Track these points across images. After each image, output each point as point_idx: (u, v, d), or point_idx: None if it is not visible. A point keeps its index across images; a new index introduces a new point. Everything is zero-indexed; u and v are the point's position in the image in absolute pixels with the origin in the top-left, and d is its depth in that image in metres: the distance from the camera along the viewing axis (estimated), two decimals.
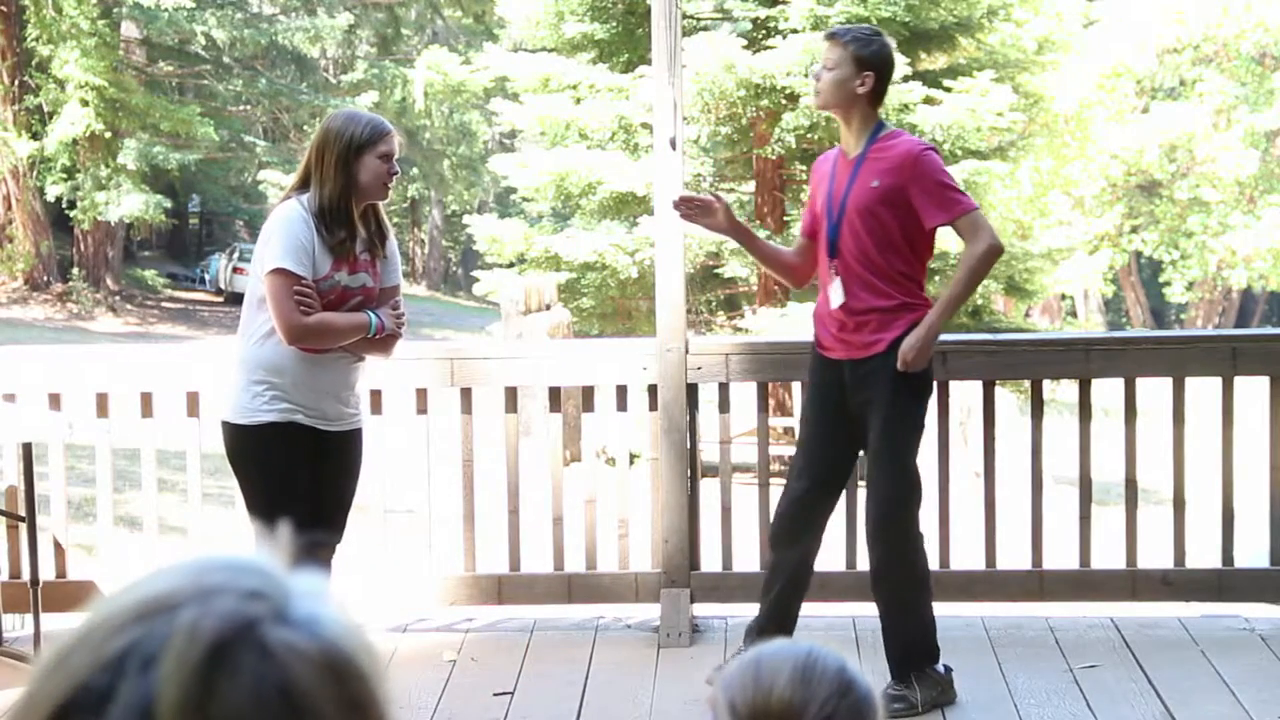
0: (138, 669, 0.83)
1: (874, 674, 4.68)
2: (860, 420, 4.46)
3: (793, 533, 4.58)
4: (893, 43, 4.55)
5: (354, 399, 4.25)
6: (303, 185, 4.11)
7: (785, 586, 4.61)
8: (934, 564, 5.23)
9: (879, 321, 4.39)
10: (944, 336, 4.64)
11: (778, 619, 4.60)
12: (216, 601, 0.86)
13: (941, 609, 4.91)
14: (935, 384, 4.68)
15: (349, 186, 4.05)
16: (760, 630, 4.61)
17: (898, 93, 14.72)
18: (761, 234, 15.81)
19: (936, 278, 14.83)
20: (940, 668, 4.52)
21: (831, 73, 4.38)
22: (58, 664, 0.85)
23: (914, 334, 4.33)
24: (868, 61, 4.37)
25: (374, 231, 4.19)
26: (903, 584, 4.50)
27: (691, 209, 4.60)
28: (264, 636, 0.85)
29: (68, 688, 0.84)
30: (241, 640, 0.85)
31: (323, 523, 4.12)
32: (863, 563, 5.33)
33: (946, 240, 10.14)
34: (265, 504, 4.07)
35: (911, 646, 4.50)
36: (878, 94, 4.43)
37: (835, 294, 4.43)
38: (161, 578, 0.88)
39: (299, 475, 4.10)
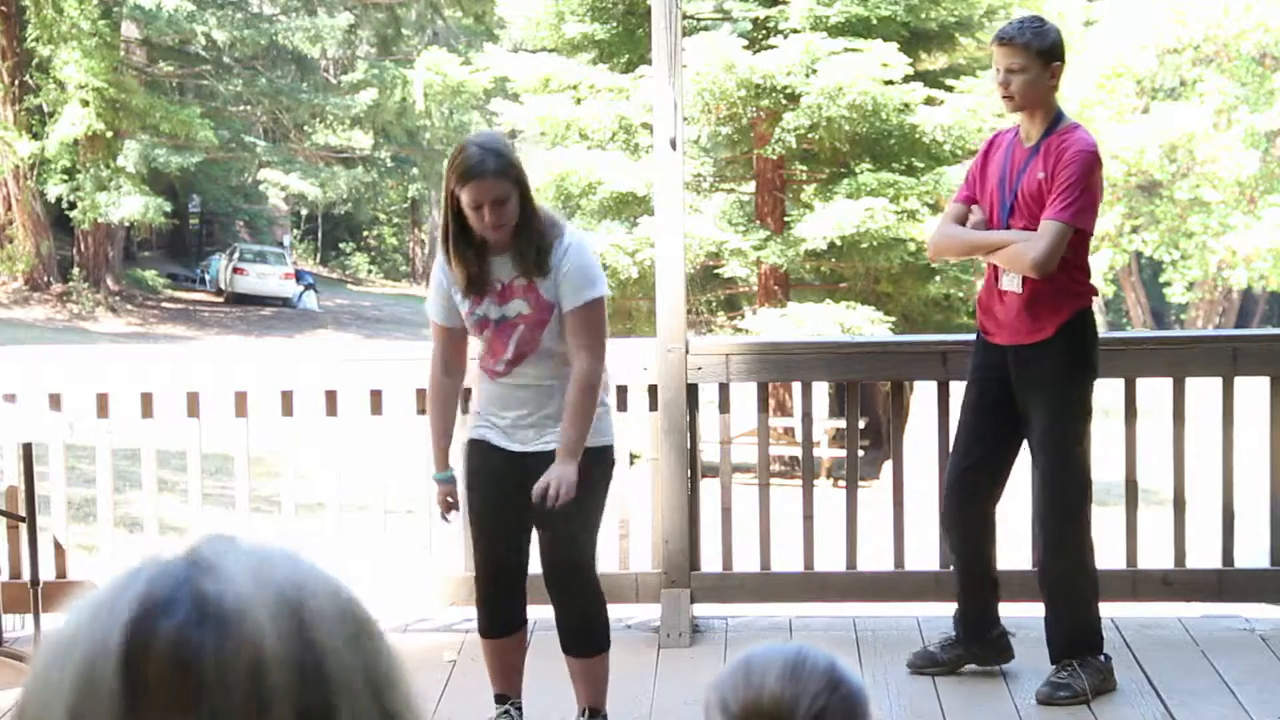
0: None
1: (874, 675, 4.69)
2: (1024, 408, 4.47)
3: (958, 515, 4.62)
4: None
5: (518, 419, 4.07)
6: None
7: (965, 578, 4.64)
8: (935, 564, 5.24)
9: (1046, 307, 4.41)
10: (945, 337, 4.66)
11: (970, 614, 4.65)
12: (127, 609, 0.86)
13: (941, 609, 4.91)
14: (1094, 373, 4.55)
15: (460, 223, 3.87)
16: (959, 621, 4.68)
17: (898, 92, 14.73)
18: (762, 233, 15.86)
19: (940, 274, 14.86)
20: (1102, 657, 4.52)
21: (1022, 75, 4.37)
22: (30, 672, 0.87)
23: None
24: (1051, 52, 4.40)
25: (529, 254, 3.87)
26: (1072, 565, 4.48)
27: None
28: (191, 595, 0.86)
29: (30, 689, 0.86)
30: (158, 611, 0.86)
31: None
32: (863, 563, 5.34)
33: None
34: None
35: (1075, 635, 4.49)
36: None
37: (1010, 280, 4.45)
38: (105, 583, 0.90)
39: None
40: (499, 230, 3.82)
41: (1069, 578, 4.50)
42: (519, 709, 4.22)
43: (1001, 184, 4.48)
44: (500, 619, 4.13)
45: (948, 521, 4.70)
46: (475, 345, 4.10)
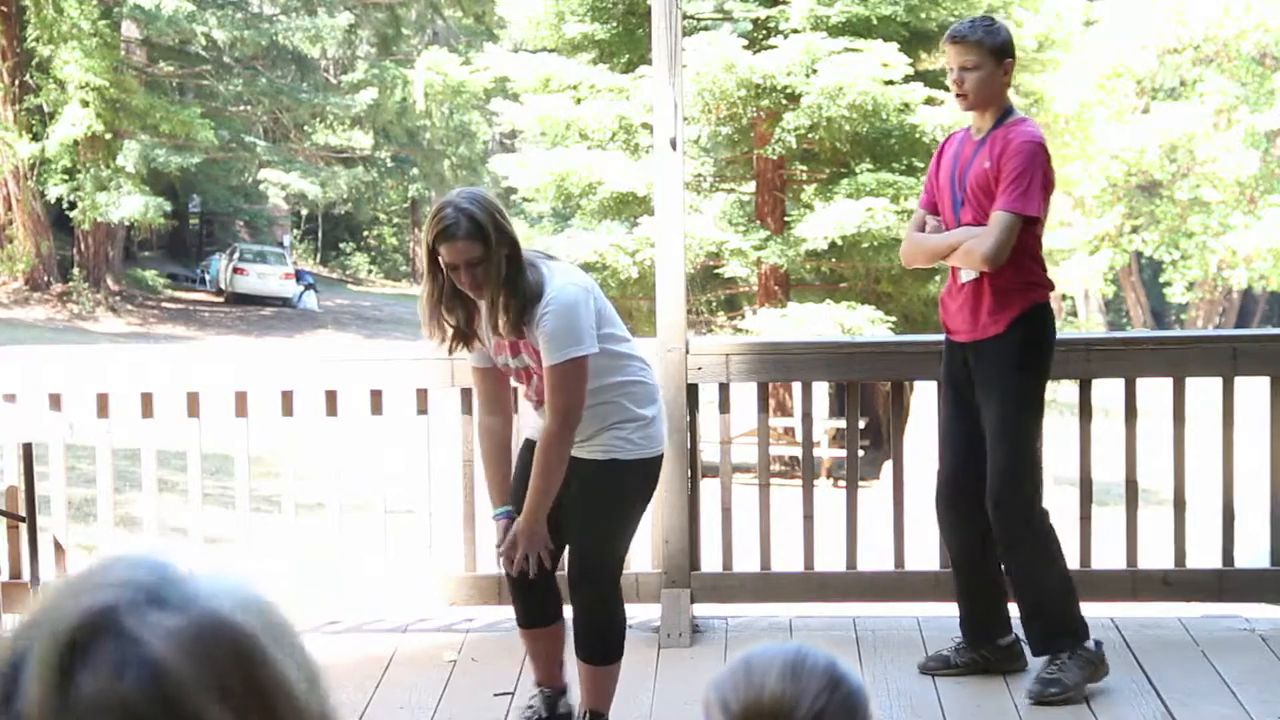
0: (13, 674, 0.86)
1: (874, 675, 4.68)
2: (980, 402, 4.49)
3: (951, 521, 4.64)
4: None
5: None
6: None
7: (963, 582, 4.65)
8: (935, 564, 5.24)
9: (1000, 301, 4.42)
10: (944, 337, 4.67)
11: (974, 617, 4.65)
12: (83, 598, 0.87)
13: (942, 609, 4.91)
14: (1040, 369, 4.58)
15: (439, 275, 3.86)
16: (963, 625, 4.68)
17: (899, 92, 14.73)
18: (762, 233, 15.85)
19: (938, 277, 14.86)
20: (1091, 644, 4.49)
21: (976, 73, 4.41)
22: None
23: None
24: (1004, 49, 4.45)
25: (510, 315, 3.84)
26: (1032, 557, 4.47)
27: None
28: (122, 622, 0.86)
29: None
30: (101, 629, 0.86)
31: None
32: (864, 564, 5.34)
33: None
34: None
35: (1052, 628, 4.47)
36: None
37: (967, 271, 4.47)
38: (58, 582, 0.91)
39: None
40: (475, 291, 3.82)
41: (1030, 571, 4.49)
42: (556, 693, 4.22)
43: (952, 180, 4.52)
44: (533, 612, 4.14)
45: (943, 528, 4.71)
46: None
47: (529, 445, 4.10)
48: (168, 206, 27.06)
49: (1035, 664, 4.57)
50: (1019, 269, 4.41)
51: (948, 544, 4.75)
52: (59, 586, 0.90)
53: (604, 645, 4.09)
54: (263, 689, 0.88)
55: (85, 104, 24.63)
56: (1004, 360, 4.43)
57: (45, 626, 0.87)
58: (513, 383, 4.13)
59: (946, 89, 15.86)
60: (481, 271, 3.76)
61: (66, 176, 25.82)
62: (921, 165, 15.21)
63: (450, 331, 3.95)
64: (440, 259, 3.79)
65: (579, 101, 15.36)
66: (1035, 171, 4.38)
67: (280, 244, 39.84)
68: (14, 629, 0.88)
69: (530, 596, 4.11)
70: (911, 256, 4.72)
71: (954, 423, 4.64)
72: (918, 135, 14.92)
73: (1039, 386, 4.53)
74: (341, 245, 45.49)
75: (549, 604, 4.15)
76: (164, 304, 31.73)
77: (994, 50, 4.41)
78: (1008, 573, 4.55)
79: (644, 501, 4.10)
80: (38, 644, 0.86)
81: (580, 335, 3.85)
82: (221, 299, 33.90)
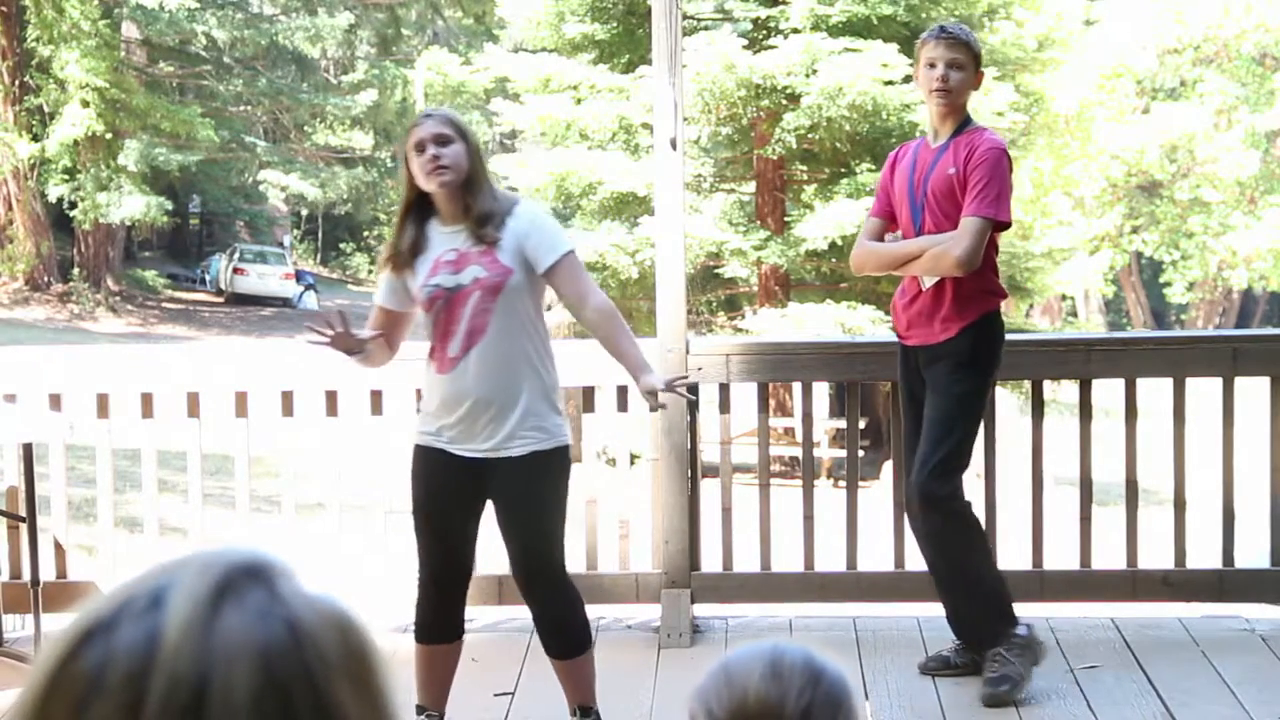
0: (145, 607, 0.87)
1: (874, 675, 4.69)
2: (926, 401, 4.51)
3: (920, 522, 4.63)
4: None
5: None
6: None
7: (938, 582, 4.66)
8: None
9: (955, 308, 4.45)
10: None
11: (958, 614, 4.64)
12: (233, 552, 0.90)
13: (942, 609, 4.91)
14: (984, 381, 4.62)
15: (416, 197, 3.95)
16: (951, 622, 4.68)
17: (899, 92, 14.73)
18: (762, 234, 15.84)
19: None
20: (1021, 629, 4.51)
21: (960, 73, 4.46)
22: (80, 610, 0.90)
23: None
24: (980, 58, 4.56)
25: (481, 218, 3.91)
26: (957, 549, 4.49)
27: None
28: (274, 579, 0.89)
29: (80, 622, 0.88)
30: (253, 576, 0.89)
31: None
32: (864, 564, 5.34)
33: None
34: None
35: (986, 622, 4.50)
36: None
37: (928, 277, 4.49)
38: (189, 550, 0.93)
39: None
40: (442, 173, 3.84)
41: (956, 563, 4.51)
42: (441, 718, 4.16)
43: (910, 188, 4.53)
44: (437, 625, 4.07)
45: (916, 531, 4.70)
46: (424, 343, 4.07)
47: (423, 454, 4.01)
48: (168, 206, 27.06)
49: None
50: (980, 276, 4.44)
51: (921, 548, 4.70)
52: (194, 550, 0.92)
53: (573, 636, 4.07)
54: (376, 697, 0.90)
55: (85, 104, 24.63)
56: (954, 361, 4.47)
57: (196, 564, 0.89)
58: (428, 338, 4.03)
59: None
60: (450, 153, 3.85)
61: (67, 176, 25.83)
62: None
63: (395, 249, 3.97)
64: (410, 147, 3.90)
65: (579, 101, 15.36)
66: (1004, 178, 4.42)
67: (280, 244, 39.83)
68: (152, 568, 0.90)
69: (443, 606, 4.06)
70: (863, 263, 4.69)
71: (916, 423, 4.63)
72: (918, 135, 14.94)
73: (983, 390, 4.56)
74: (341, 245, 45.47)
75: (459, 616, 4.12)
76: (164, 304, 31.73)
77: (976, 56, 4.53)
78: (932, 566, 4.56)
79: (568, 489, 4.05)
80: (188, 574, 0.88)
81: (565, 232, 4.07)
82: (221, 299, 33.90)
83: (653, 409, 4.30)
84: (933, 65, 4.46)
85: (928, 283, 4.50)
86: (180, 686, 0.83)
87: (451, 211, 3.92)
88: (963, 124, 4.51)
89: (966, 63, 4.47)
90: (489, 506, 4.04)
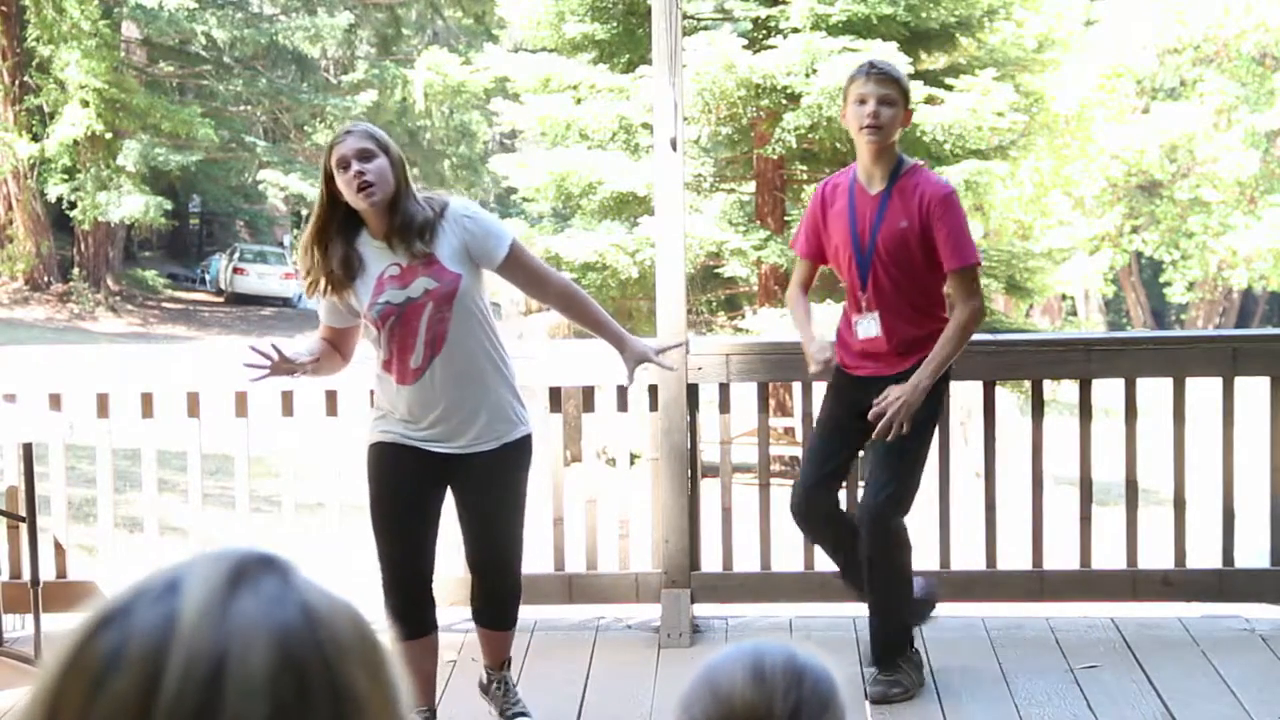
0: (161, 593, 0.88)
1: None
2: (872, 425, 4.47)
3: (819, 522, 4.69)
4: None
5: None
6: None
7: (833, 545, 4.70)
8: (934, 564, 5.24)
9: (913, 346, 4.49)
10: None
11: (852, 563, 4.66)
12: (237, 548, 0.92)
13: (942, 609, 4.91)
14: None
15: (337, 212, 3.92)
16: (842, 575, 4.72)
17: None
18: (762, 233, 15.85)
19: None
20: (915, 648, 4.70)
21: (891, 109, 4.43)
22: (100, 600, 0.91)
23: (904, 391, 4.38)
24: (908, 94, 4.52)
25: (413, 229, 3.87)
26: (895, 574, 4.55)
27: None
28: (287, 569, 0.91)
29: (96, 610, 0.89)
30: (267, 565, 0.91)
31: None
32: None
33: None
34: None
35: (895, 641, 4.60)
36: None
37: (867, 326, 4.50)
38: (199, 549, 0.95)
39: None
40: (370, 192, 3.80)
41: (892, 587, 4.57)
42: (431, 714, 4.18)
43: (854, 238, 4.49)
44: (409, 621, 4.06)
45: (813, 532, 4.75)
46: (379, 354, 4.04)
47: (386, 450, 4.01)
48: (168, 206, 27.05)
49: (1025, 659, 4.57)
50: (928, 317, 4.48)
51: (820, 543, 4.78)
52: (199, 550, 0.94)
53: (512, 614, 4.24)
54: (387, 685, 0.92)
55: (85, 104, 24.63)
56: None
57: (209, 556, 0.91)
58: (378, 350, 4.00)
59: (947, 88, 15.71)
60: (374, 169, 3.81)
61: (66, 176, 25.82)
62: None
63: (325, 272, 3.93)
64: (334, 164, 3.84)
65: (579, 101, 15.35)
66: (964, 219, 4.47)
67: (280, 244, 39.83)
68: (162, 567, 0.92)
69: (412, 603, 4.06)
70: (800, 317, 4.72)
71: (828, 441, 4.65)
72: (918, 135, 14.91)
73: (938, 414, 4.61)
74: None
75: (430, 611, 4.15)
76: (164, 304, 31.73)
77: (906, 93, 4.49)
78: (870, 586, 4.58)
79: (530, 468, 4.12)
80: (203, 564, 0.90)
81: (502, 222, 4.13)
82: (221, 299, 33.90)
83: (630, 381, 4.34)
84: (863, 102, 4.43)
85: (863, 332, 4.51)
86: (198, 663, 0.84)
87: (381, 227, 3.90)
88: (897, 166, 4.48)
89: (897, 99, 4.43)
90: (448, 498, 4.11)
